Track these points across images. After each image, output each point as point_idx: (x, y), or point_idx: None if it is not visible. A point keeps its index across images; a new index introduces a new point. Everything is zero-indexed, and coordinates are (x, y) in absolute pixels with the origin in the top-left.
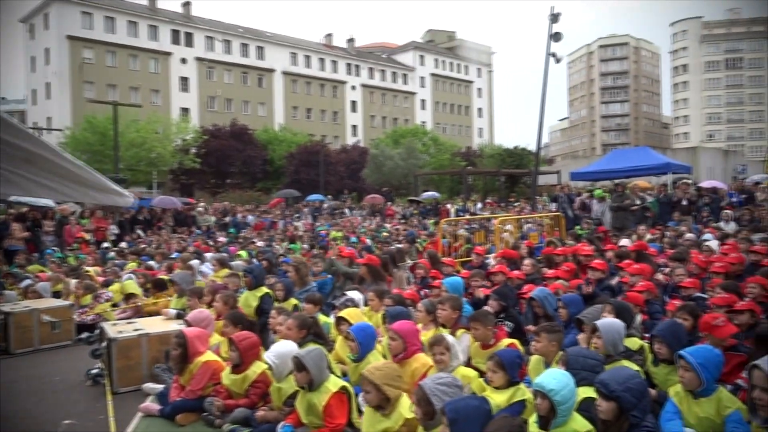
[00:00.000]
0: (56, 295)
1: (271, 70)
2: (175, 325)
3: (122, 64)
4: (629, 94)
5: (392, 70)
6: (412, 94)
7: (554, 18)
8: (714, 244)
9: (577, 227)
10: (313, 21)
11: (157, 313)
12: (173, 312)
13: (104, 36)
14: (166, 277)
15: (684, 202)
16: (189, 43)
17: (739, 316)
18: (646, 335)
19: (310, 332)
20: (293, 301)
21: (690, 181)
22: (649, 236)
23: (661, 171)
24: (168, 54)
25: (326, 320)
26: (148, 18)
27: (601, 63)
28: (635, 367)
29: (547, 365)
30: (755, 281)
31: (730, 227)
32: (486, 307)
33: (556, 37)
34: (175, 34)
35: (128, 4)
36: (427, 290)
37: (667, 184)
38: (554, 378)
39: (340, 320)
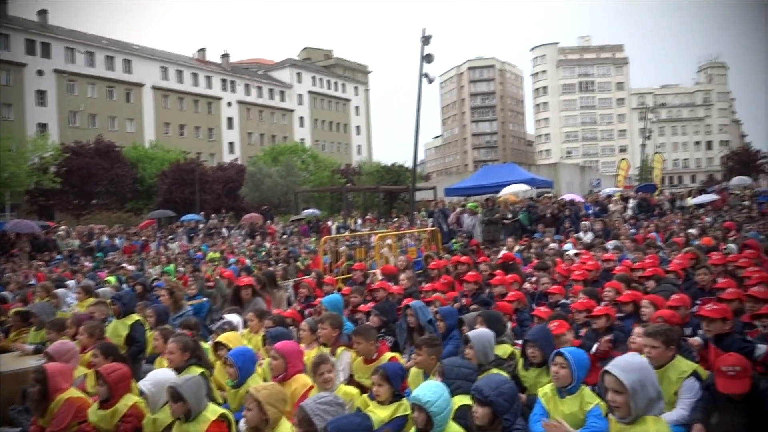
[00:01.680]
0: None
1: (140, 85)
2: (34, 361)
3: None
4: (497, 114)
5: (269, 87)
6: (290, 111)
7: (426, 40)
8: (572, 252)
9: (453, 241)
10: (186, 35)
11: (7, 350)
12: (30, 347)
13: None
14: (23, 309)
15: (547, 215)
16: (46, 54)
17: (597, 320)
18: (517, 341)
19: (193, 355)
20: (167, 327)
21: (552, 195)
22: (517, 247)
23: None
24: (22, 65)
25: (203, 345)
26: None
27: (471, 84)
28: (505, 374)
29: (426, 377)
30: (610, 286)
31: (588, 237)
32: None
33: (428, 58)
34: (30, 44)
35: None
36: (310, 309)
37: (533, 197)
38: (429, 390)
39: (217, 345)
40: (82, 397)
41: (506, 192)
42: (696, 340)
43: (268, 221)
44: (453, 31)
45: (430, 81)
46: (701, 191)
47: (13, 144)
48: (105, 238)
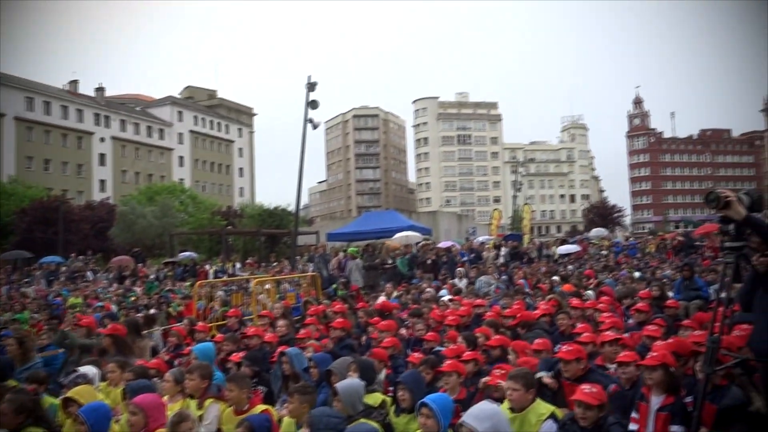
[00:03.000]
0: None
1: (1, 115)
2: None
3: None
4: (380, 162)
5: (147, 124)
6: (170, 150)
7: (311, 87)
8: (446, 298)
9: (334, 286)
10: (57, 65)
11: None
12: None
13: None
14: None
15: (427, 261)
16: None
17: (467, 364)
18: (390, 389)
19: (29, 417)
20: (12, 381)
21: (431, 242)
22: (395, 293)
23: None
24: None
25: (52, 401)
26: None
27: (356, 131)
28: (374, 424)
29: (300, 427)
30: (480, 331)
31: (463, 283)
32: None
33: (312, 104)
34: None
35: None
36: (180, 359)
37: (412, 244)
38: None
39: (68, 401)
40: None
41: (397, 237)
42: (544, 375)
43: (140, 264)
44: (339, 78)
45: (315, 126)
46: (564, 241)
47: None
48: None
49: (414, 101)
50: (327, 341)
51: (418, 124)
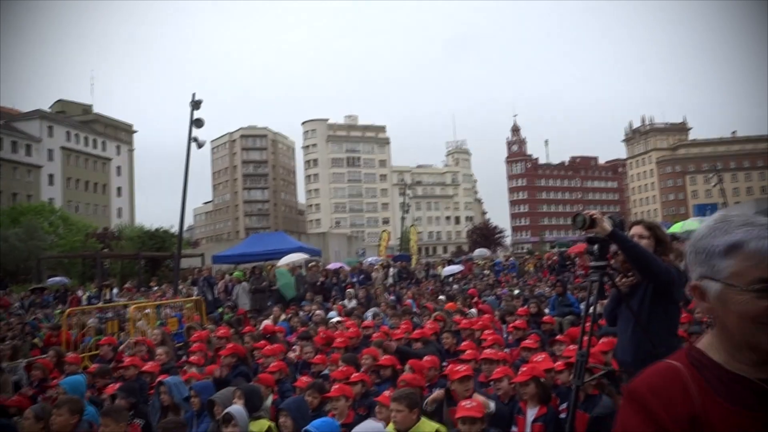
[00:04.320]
0: None
1: None
2: None
3: None
4: (269, 182)
5: (12, 139)
6: (38, 167)
7: (196, 105)
8: (335, 320)
9: (220, 309)
10: None
11: None
12: None
13: None
14: None
15: (317, 283)
16: None
17: (354, 386)
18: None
19: None
20: None
21: (320, 263)
22: (283, 316)
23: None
24: None
25: None
26: None
27: (243, 151)
28: None
29: None
30: (367, 353)
31: (352, 304)
32: None
33: (197, 123)
34: None
35: None
36: (44, 394)
37: (301, 266)
38: None
39: None
40: None
41: (285, 259)
42: (438, 394)
43: (2, 291)
44: (226, 97)
45: (200, 146)
46: (450, 261)
47: None
48: None
49: (303, 122)
50: (214, 368)
51: (308, 146)
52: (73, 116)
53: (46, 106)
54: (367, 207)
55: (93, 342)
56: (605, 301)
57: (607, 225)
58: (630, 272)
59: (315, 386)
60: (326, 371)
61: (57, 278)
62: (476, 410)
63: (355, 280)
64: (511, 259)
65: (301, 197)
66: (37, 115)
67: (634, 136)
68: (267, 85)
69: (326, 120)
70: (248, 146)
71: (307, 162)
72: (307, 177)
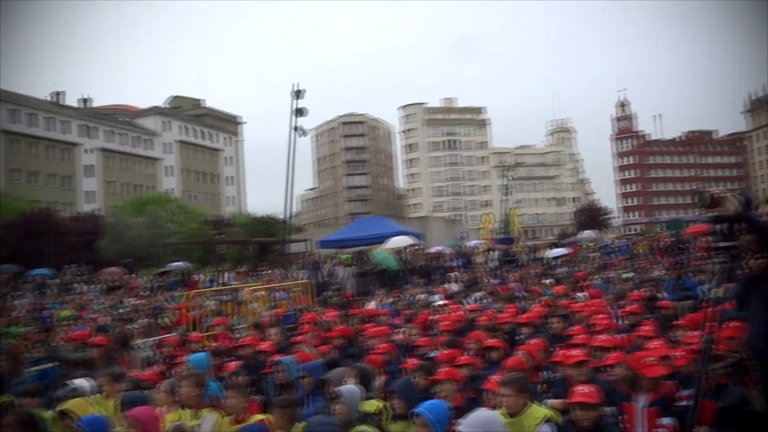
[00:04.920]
0: None
1: None
2: None
3: None
4: (369, 168)
5: (134, 135)
6: (157, 160)
7: (298, 94)
8: (439, 303)
9: (326, 293)
10: (41, 78)
11: None
12: None
13: None
14: None
15: (418, 266)
16: None
17: (463, 368)
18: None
19: (31, 431)
20: (4, 396)
21: (422, 247)
22: (388, 299)
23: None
24: None
25: (47, 415)
26: None
27: (344, 138)
28: (372, 430)
29: None
30: (473, 337)
31: (455, 288)
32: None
33: (300, 112)
34: None
35: None
36: (174, 369)
37: (402, 250)
38: None
39: (62, 414)
40: None
41: (390, 243)
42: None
43: (131, 275)
44: (327, 85)
45: (303, 134)
46: (555, 244)
47: None
48: None
49: (401, 107)
50: (325, 348)
51: (406, 130)
52: (186, 111)
53: (161, 102)
54: (467, 190)
55: (212, 322)
56: (731, 285)
57: (734, 203)
58: (761, 253)
59: (423, 368)
60: (432, 354)
61: (178, 263)
62: (592, 396)
63: (457, 263)
64: (620, 240)
65: (401, 182)
66: (155, 111)
67: (756, 106)
68: (365, 71)
69: (424, 104)
70: (348, 133)
71: (406, 146)
72: (406, 161)
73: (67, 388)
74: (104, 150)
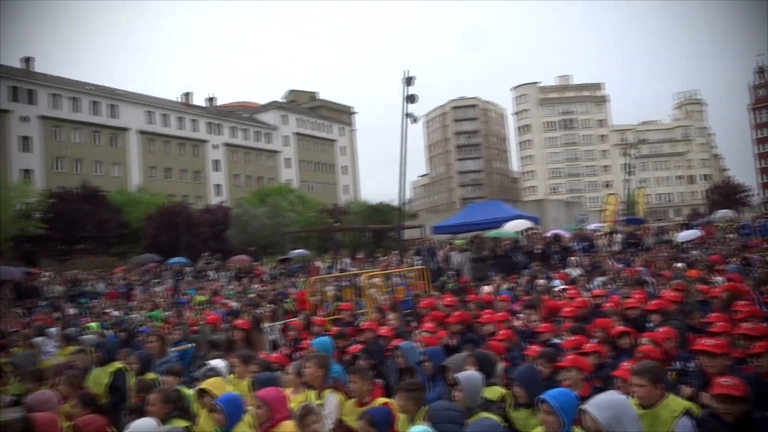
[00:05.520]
0: None
1: (126, 129)
2: (12, 414)
3: None
4: (481, 152)
5: (255, 129)
6: (276, 152)
7: (408, 81)
8: (559, 288)
9: (442, 278)
10: (171, 80)
11: None
12: (8, 399)
13: None
14: (3, 360)
15: (536, 251)
16: (31, 100)
17: (589, 356)
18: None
19: (175, 407)
20: (151, 374)
21: (538, 231)
22: (505, 285)
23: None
24: (6, 112)
25: (188, 393)
26: None
27: (455, 123)
28: (495, 418)
29: (412, 422)
30: (599, 324)
31: (576, 272)
32: None
33: (411, 98)
34: (15, 90)
35: None
36: (299, 352)
37: (518, 234)
38: None
39: (201, 392)
40: None
41: (508, 227)
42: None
43: (256, 263)
44: (436, 71)
45: (414, 121)
46: (685, 225)
47: None
48: (90, 284)
49: (513, 88)
50: (443, 334)
51: (519, 111)
52: (302, 104)
53: (279, 97)
54: (586, 171)
55: (332, 307)
56: None
57: None
58: None
59: (546, 355)
60: (554, 340)
61: (298, 250)
62: (737, 388)
63: (577, 247)
64: (761, 220)
65: (515, 165)
66: (273, 106)
67: None
68: (475, 54)
69: (537, 83)
70: (460, 117)
71: (520, 128)
72: (520, 143)
73: (205, 368)
74: (228, 145)
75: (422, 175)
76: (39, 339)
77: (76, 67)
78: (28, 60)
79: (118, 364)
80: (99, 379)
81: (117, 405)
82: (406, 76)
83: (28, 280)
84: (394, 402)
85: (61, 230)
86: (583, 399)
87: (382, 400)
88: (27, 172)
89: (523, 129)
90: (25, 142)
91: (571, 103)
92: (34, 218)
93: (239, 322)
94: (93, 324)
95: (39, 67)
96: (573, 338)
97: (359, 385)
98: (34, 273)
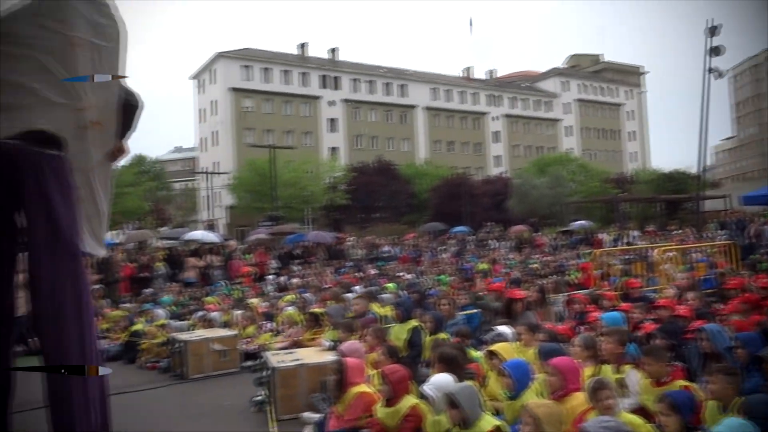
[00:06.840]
0: (225, 325)
1: (413, 107)
2: (331, 356)
3: (277, 110)
4: None
5: (534, 99)
6: (557, 121)
7: (712, 31)
8: None
9: (754, 256)
10: (452, 56)
11: (304, 346)
12: (327, 343)
13: (261, 86)
14: (319, 311)
15: None
16: (336, 86)
17: None
18: None
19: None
20: (443, 334)
21: None
22: None
23: None
24: (317, 98)
25: (476, 354)
26: (299, 66)
27: None
28: None
29: (724, 411)
30: None
31: None
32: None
33: (716, 51)
34: (323, 78)
35: (281, 54)
36: (584, 326)
37: None
38: (732, 429)
39: (491, 354)
40: (372, 392)
41: None
42: None
43: (536, 233)
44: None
45: (719, 76)
46: None
47: (312, 166)
48: (385, 248)
49: None
50: (758, 318)
51: None
52: (584, 68)
53: (560, 63)
54: None
55: (619, 282)
56: None
57: None
58: None
59: None
60: None
61: (580, 222)
62: None
63: None
64: None
65: None
66: (553, 73)
67: None
68: None
69: None
70: None
71: None
72: None
73: (493, 333)
74: (508, 116)
75: (727, 138)
76: (347, 295)
77: (371, 52)
78: (333, 51)
79: (414, 322)
80: (399, 334)
81: (414, 359)
82: (709, 25)
83: (337, 243)
84: (696, 387)
85: (361, 200)
86: None
87: (682, 383)
88: (334, 150)
89: None
90: (332, 123)
91: None
92: (340, 190)
93: (521, 292)
94: (390, 285)
95: (342, 55)
96: None
97: (654, 367)
98: (342, 237)
